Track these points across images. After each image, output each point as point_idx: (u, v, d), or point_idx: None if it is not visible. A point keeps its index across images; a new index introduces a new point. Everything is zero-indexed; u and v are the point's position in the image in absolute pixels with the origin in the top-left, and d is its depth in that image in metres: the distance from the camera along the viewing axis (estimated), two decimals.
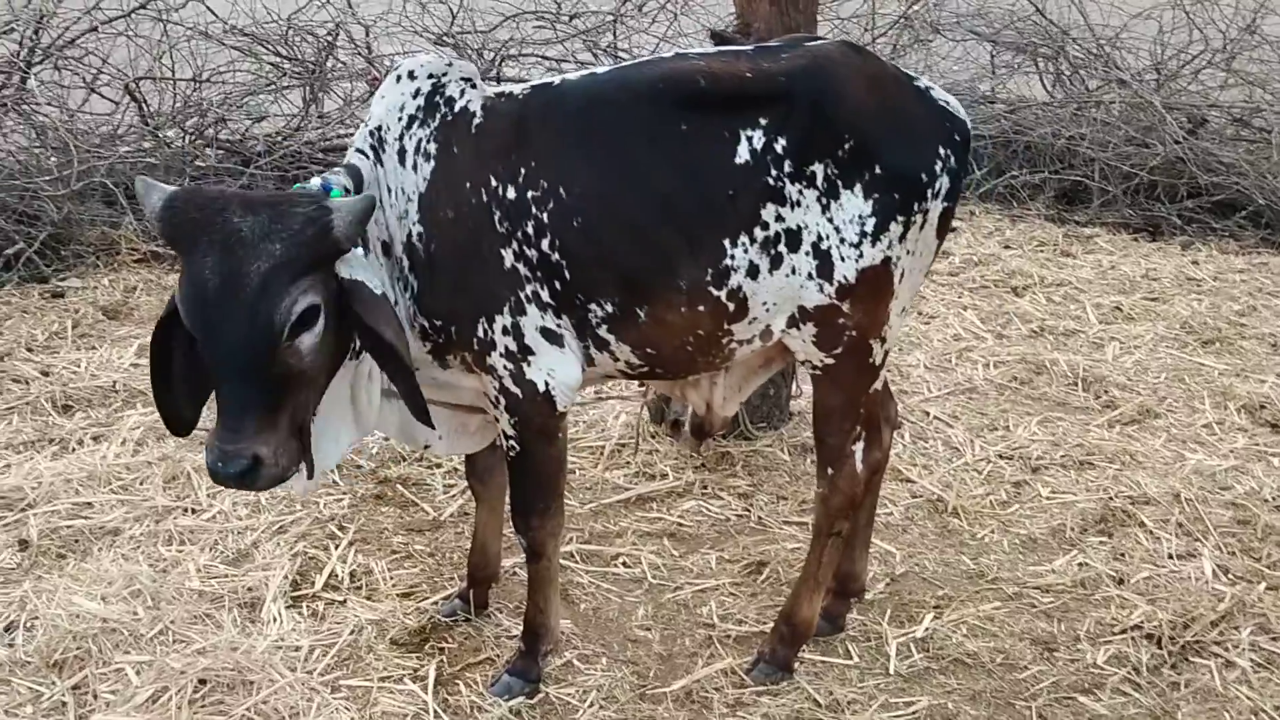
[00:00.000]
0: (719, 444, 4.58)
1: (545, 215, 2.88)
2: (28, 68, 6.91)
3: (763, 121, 2.87)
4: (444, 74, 3.01)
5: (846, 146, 2.85)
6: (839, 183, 2.87)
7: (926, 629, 3.56)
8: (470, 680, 3.29)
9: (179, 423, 2.89)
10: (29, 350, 5.39)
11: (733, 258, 2.91)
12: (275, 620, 3.47)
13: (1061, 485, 4.44)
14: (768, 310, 2.99)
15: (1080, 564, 3.94)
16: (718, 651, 3.45)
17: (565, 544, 3.92)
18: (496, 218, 2.89)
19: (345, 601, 3.61)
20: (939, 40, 9.53)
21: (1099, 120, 8.10)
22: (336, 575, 3.74)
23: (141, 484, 4.20)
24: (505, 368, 2.98)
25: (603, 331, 2.99)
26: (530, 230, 2.89)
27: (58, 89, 7.07)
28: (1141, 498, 4.32)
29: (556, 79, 3.04)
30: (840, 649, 3.48)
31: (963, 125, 3.03)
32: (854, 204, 2.88)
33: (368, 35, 8.29)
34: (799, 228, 2.90)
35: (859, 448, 3.19)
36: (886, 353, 3.13)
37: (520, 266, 2.91)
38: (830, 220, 2.89)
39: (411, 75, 3.01)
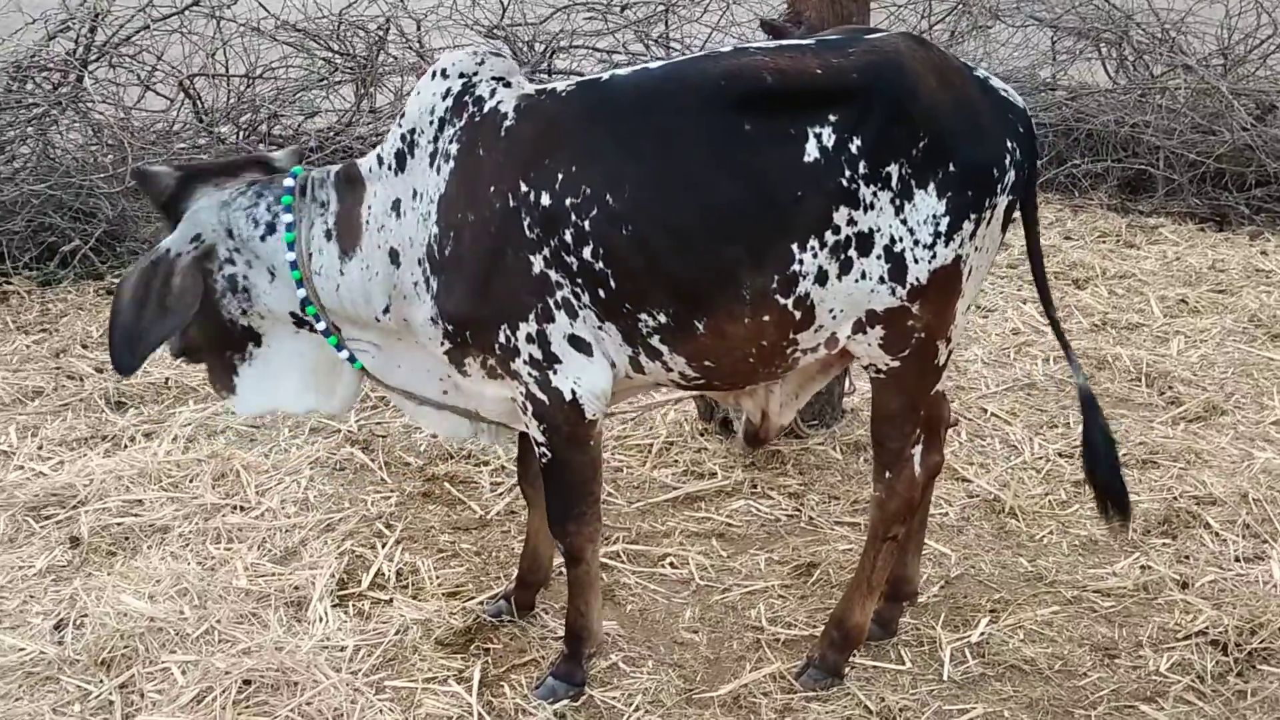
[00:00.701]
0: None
1: (587, 223, 2.79)
2: (84, 66, 6.97)
3: (832, 119, 2.76)
4: (475, 73, 2.94)
5: (921, 145, 2.77)
6: (913, 182, 2.78)
7: (982, 634, 3.46)
8: (515, 682, 3.25)
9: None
10: (84, 347, 5.44)
11: (801, 263, 2.80)
12: (321, 620, 3.46)
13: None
14: (834, 317, 2.89)
15: (1143, 567, 3.82)
16: (766, 655, 3.38)
17: (611, 544, 3.88)
18: (526, 224, 2.82)
19: (391, 601, 3.59)
20: (998, 26, 9.36)
21: (1164, 107, 7.90)
22: (383, 574, 3.72)
23: (191, 481, 4.21)
24: (530, 374, 2.95)
25: (655, 341, 2.91)
26: (569, 238, 2.81)
27: (113, 87, 7.13)
28: (1207, 498, 4.18)
29: (605, 75, 2.94)
30: (892, 654, 3.40)
31: (1024, 115, 2.94)
32: (928, 204, 2.79)
33: (419, 29, 8.29)
34: (871, 231, 2.80)
35: (918, 451, 3.10)
36: (950, 353, 3.04)
37: (552, 273, 2.85)
38: (904, 222, 2.80)
39: (444, 74, 2.95)
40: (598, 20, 8.44)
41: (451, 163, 2.88)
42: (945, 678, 3.30)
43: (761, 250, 2.79)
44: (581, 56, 8.26)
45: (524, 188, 2.82)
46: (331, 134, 7.54)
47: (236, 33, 7.63)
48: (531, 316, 2.88)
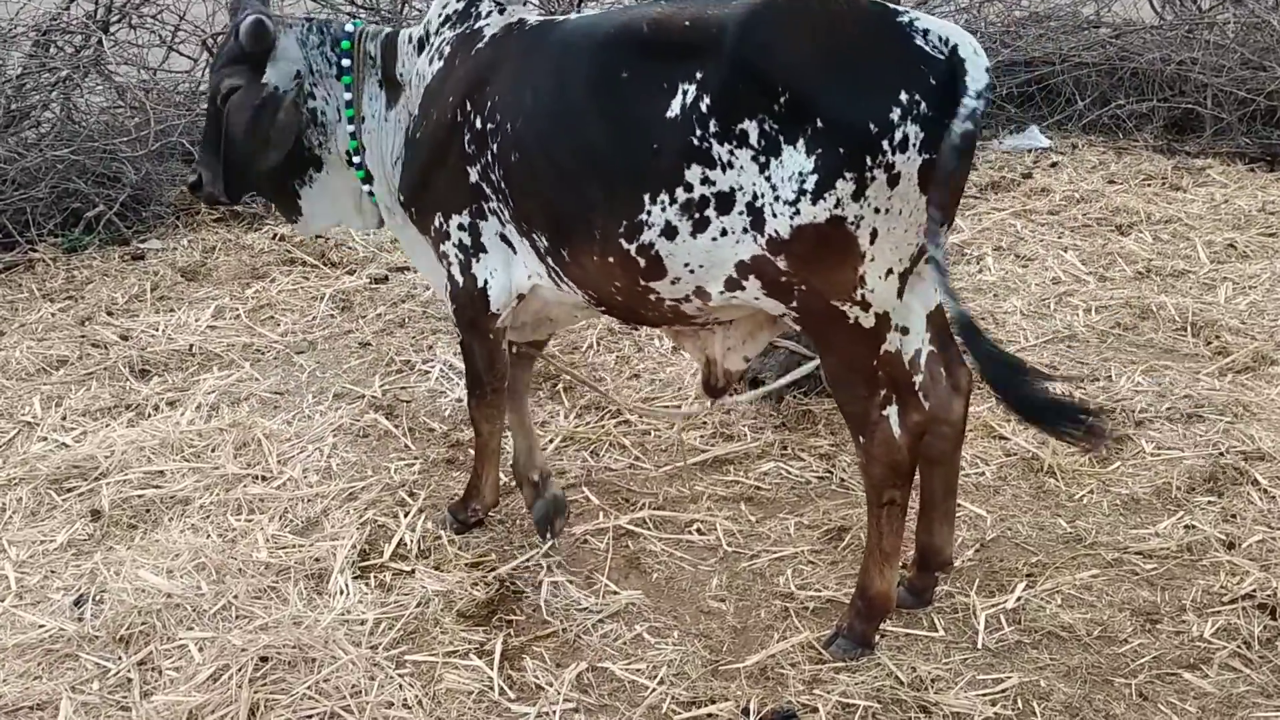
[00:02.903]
0: (799, 401, 4.40)
1: (496, 145, 3.10)
2: (105, 28, 6.90)
3: (698, 75, 2.77)
4: None
5: (783, 100, 2.68)
6: (780, 139, 2.70)
7: (1018, 599, 3.35)
8: (538, 654, 3.19)
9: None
10: (109, 314, 5.41)
11: (649, 214, 2.88)
12: (341, 593, 3.40)
13: (1168, 440, 4.17)
14: (693, 272, 2.91)
15: (1187, 526, 3.69)
16: (794, 624, 3.29)
17: (637, 510, 3.81)
18: (465, 139, 3.16)
19: (414, 572, 3.53)
20: None
21: (1211, 43, 7.62)
22: (405, 544, 3.66)
23: (213, 451, 4.17)
24: (456, 258, 3.32)
25: (550, 262, 3.17)
26: (489, 158, 3.13)
27: (135, 48, 7.06)
28: (1255, 453, 4.03)
29: (561, 18, 3.23)
30: (925, 621, 3.30)
31: (941, 66, 2.67)
32: (795, 160, 2.70)
33: None
34: (733, 190, 2.78)
35: (892, 412, 2.96)
36: (883, 317, 2.88)
37: (484, 186, 3.18)
38: (768, 179, 2.73)
39: None
40: None
41: (440, 62, 3.28)
42: (980, 646, 3.20)
43: (614, 194, 2.91)
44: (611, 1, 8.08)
45: (468, 106, 3.16)
46: None
47: None
48: (466, 212, 3.26)
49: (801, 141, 2.69)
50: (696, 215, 2.83)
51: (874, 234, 2.76)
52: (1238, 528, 3.66)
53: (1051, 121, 7.89)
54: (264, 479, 4.01)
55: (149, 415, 4.49)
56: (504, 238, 3.26)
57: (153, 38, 7.25)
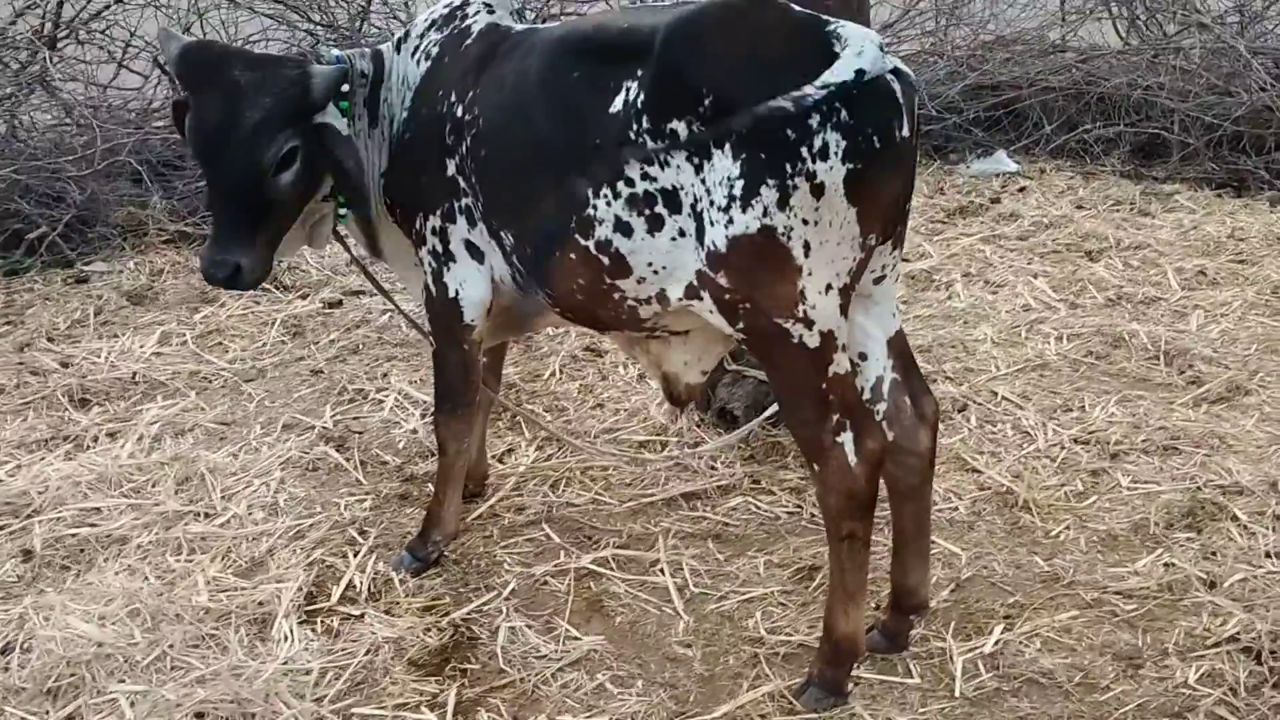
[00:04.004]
0: (768, 433, 4.25)
1: (469, 139, 3.16)
2: (53, 45, 6.69)
3: (639, 73, 2.81)
4: None
5: (706, 103, 2.68)
6: (709, 142, 2.69)
7: (996, 643, 3.21)
8: (493, 706, 3.02)
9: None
10: (49, 340, 5.19)
11: (595, 209, 2.90)
12: (285, 639, 3.22)
13: (1144, 474, 4.06)
14: (656, 273, 2.90)
15: (1166, 564, 3.57)
16: (765, 671, 3.14)
17: (600, 549, 3.65)
18: (446, 129, 3.21)
19: (363, 616, 3.35)
20: None
21: (1177, 69, 7.58)
22: (354, 586, 3.48)
23: (153, 486, 3.97)
24: (430, 265, 3.36)
25: (515, 261, 3.19)
26: (464, 149, 3.18)
27: (83, 65, 6.85)
28: (1233, 487, 3.93)
29: (545, 26, 3.37)
30: (900, 667, 3.15)
31: (862, 75, 2.61)
32: (723, 164, 2.69)
33: None
34: (675, 189, 2.79)
35: (846, 439, 2.83)
36: (828, 336, 2.77)
37: (460, 180, 3.22)
38: (703, 182, 2.73)
39: None
40: None
41: (428, 62, 3.33)
42: (957, 694, 3.05)
43: (563, 189, 2.93)
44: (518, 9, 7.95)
45: (453, 98, 3.22)
46: None
47: (213, 4, 7.34)
48: (439, 213, 3.27)
49: (728, 145, 2.68)
50: (648, 211, 2.84)
51: (806, 246, 2.71)
52: (1218, 565, 3.54)
53: (1019, 146, 7.82)
54: (206, 516, 3.82)
55: (87, 447, 4.28)
56: (470, 244, 3.28)
57: (101, 54, 7.03)
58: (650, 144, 2.79)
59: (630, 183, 2.84)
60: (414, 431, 4.39)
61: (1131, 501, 3.91)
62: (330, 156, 3.13)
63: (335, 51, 3.36)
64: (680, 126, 2.74)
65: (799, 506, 3.90)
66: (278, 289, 5.73)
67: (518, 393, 4.68)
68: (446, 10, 3.38)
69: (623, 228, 2.89)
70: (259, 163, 3.03)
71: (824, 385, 2.83)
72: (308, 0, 7.63)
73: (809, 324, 2.77)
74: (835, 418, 2.84)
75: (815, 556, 3.59)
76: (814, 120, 2.63)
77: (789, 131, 2.64)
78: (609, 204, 2.88)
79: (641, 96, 2.80)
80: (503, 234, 3.18)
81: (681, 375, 3.29)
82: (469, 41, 3.29)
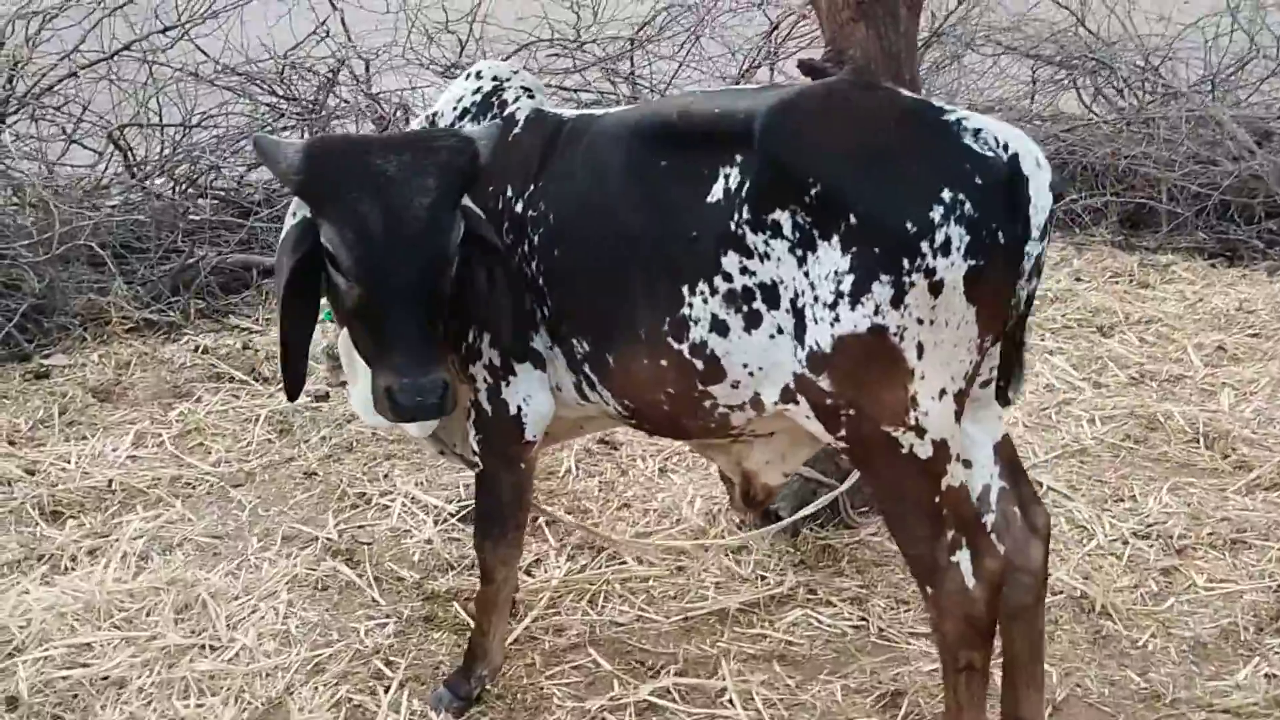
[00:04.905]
0: (817, 535, 3.95)
1: (537, 238, 2.88)
2: (1, 120, 6.28)
3: (739, 159, 2.59)
4: (508, 79, 3.12)
5: (813, 193, 2.47)
6: (814, 233, 2.48)
7: None
8: None
9: (298, 384, 2.84)
10: (11, 443, 4.73)
11: (690, 306, 2.65)
12: None
13: (1218, 571, 3.82)
14: (751, 375, 2.66)
15: (1267, 675, 3.33)
16: None
17: (658, 678, 3.31)
18: (504, 228, 2.91)
19: None
20: (971, 56, 8.95)
21: (1158, 138, 7.51)
22: None
23: (148, 615, 3.56)
24: (485, 380, 3.00)
25: (587, 369, 2.89)
26: (526, 249, 2.89)
27: (34, 141, 6.43)
28: None
29: (600, 111, 3.01)
30: None
31: (991, 166, 2.43)
32: (831, 257, 2.47)
33: (367, 70, 7.69)
34: (774, 282, 2.56)
35: (963, 557, 2.61)
36: (941, 445, 2.55)
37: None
38: (806, 275, 2.51)
39: (479, 74, 3.14)
40: (563, 58, 7.91)
41: None
42: None
43: (654, 286, 2.70)
44: (549, 94, 7.70)
45: (509, 192, 2.93)
46: (280, 186, 6.89)
47: (171, 79, 6.97)
48: None
49: (836, 238, 2.47)
50: (745, 308, 2.60)
51: (920, 348, 2.49)
52: None
53: None
54: (212, 649, 3.42)
55: (66, 569, 3.86)
56: (531, 353, 2.96)
57: (54, 130, 6.62)
58: (753, 236, 2.55)
59: (729, 277, 2.60)
60: (428, 542, 4.03)
61: (1212, 604, 3.67)
62: (481, 240, 2.74)
63: None
64: (784, 217, 2.52)
65: (864, 619, 3.59)
66: (257, 381, 5.33)
67: (536, 494, 4.33)
68: (479, 97, 3.09)
69: (719, 326, 2.64)
70: (443, 253, 2.65)
71: (937, 499, 2.59)
72: (271, 74, 7.29)
73: (920, 432, 2.54)
74: (950, 534, 2.61)
75: (895, 680, 3.29)
76: (937, 213, 2.40)
77: (909, 224, 2.41)
78: (705, 301, 2.63)
79: (740, 186, 2.57)
80: (574, 340, 2.88)
81: (761, 475, 3.05)
82: (517, 130, 3.00)
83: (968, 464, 2.76)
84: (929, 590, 2.65)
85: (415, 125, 3.20)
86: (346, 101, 7.40)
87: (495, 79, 3.11)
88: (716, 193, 2.61)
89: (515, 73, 3.15)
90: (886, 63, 3.56)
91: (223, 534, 4.09)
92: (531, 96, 3.09)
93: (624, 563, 3.89)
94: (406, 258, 2.58)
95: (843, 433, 2.60)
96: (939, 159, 2.46)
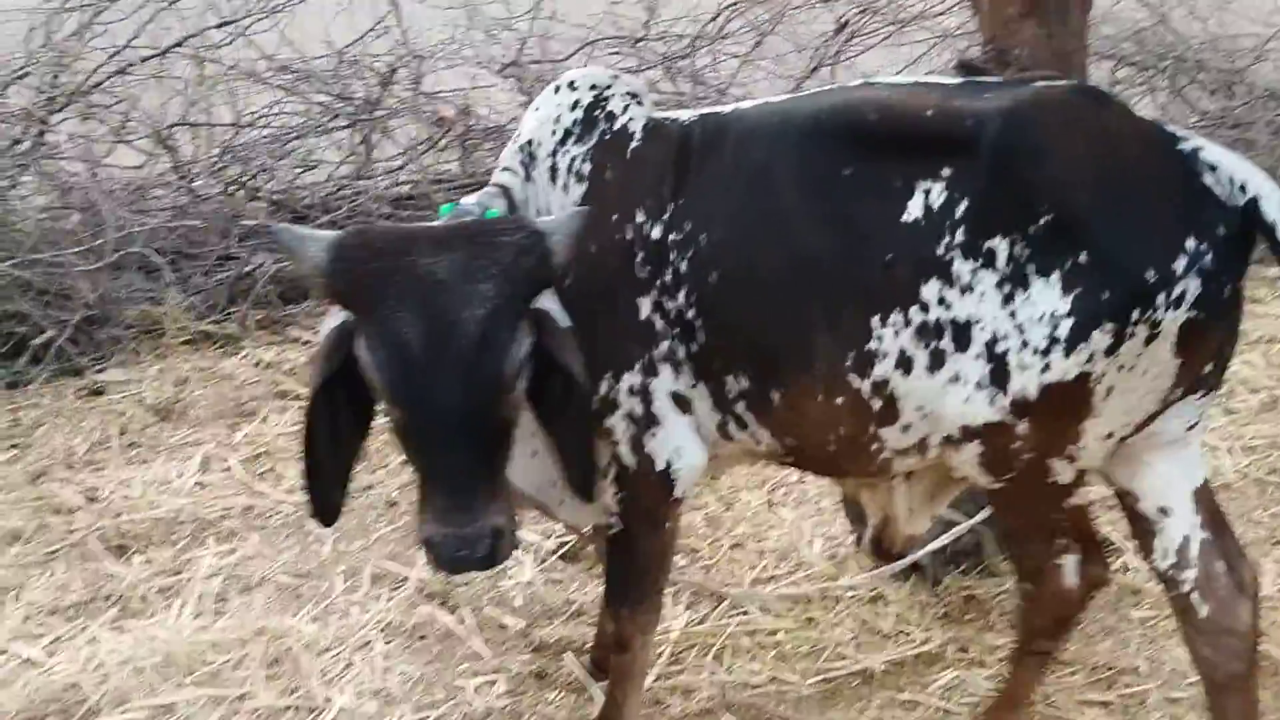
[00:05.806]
0: (960, 584, 3.60)
1: (684, 263, 2.51)
2: (46, 119, 5.95)
3: (946, 173, 2.31)
4: (608, 86, 2.71)
5: (1043, 221, 2.22)
6: (1029, 267, 2.23)
7: None
8: None
9: (331, 510, 2.43)
10: (68, 468, 4.42)
11: (879, 339, 2.37)
12: None
13: None
14: (924, 418, 2.42)
15: None
16: None
17: None
18: (638, 260, 2.54)
19: None
20: None
21: (1263, 145, 7.13)
22: None
23: (235, 669, 3.24)
24: (626, 432, 2.61)
25: (740, 409, 2.57)
26: (669, 278, 2.52)
27: (80, 141, 6.10)
28: None
29: (726, 108, 2.65)
30: None
31: (1231, 214, 2.20)
32: (1047, 298, 2.23)
33: (420, 67, 7.35)
34: (969, 322, 2.30)
35: (1068, 560, 2.60)
36: (1082, 472, 2.44)
37: (657, 319, 2.54)
38: (1012, 315, 2.26)
39: (572, 85, 2.71)
40: (625, 56, 7.56)
41: (584, 185, 2.62)
42: None
43: (838, 315, 2.40)
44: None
45: (640, 217, 2.55)
46: (335, 189, 6.55)
47: (224, 75, 6.64)
48: (638, 367, 2.56)
49: (1057, 275, 2.21)
50: (933, 345, 2.34)
51: (1109, 391, 2.30)
52: None
53: None
54: (310, 711, 3.09)
55: (138, 612, 3.53)
56: (676, 397, 2.59)
57: (101, 129, 6.28)
58: (961, 263, 2.28)
59: (925, 307, 2.33)
60: (529, 584, 3.69)
61: None
62: (553, 361, 2.29)
63: (467, 201, 2.53)
64: (1001, 245, 2.26)
65: None
66: None
67: None
68: (580, 113, 2.66)
69: (904, 363, 2.38)
70: (500, 375, 2.17)
71: (1059, 516, 2.56)
72: (325, 71, 6.96)
73: (1070, 460, 2.41)
74: (1062, 542, 2.59)
75: None
76: (1180, 264, 2.18)
77: (1150, 272, 2.17)
78: (897, 334, 2.36)
79: (959, 202, 2.29)
80: (729, 377, 2.55)
81: (903, 524, 2.86)
82: (635, 144, 2.62)
83: (1165, 512, 2.53)
84: (1028, 586, 2.66)
85: (506, 156, 2.71)
86: (400, 100, 7.05)
87: (594, 88, 2.70)
88: (914, 210, 2.33)
89: (615, 77, 2.75)
90: (1056, 63, 3.20)
91: (304, 573, 3.76)
92: (640, 103, 2.71)
93: (746, 613, 3.55)
94: (452, 383, 2.11)
95: (1011, 474, 2.42)
96: (1185, 201, 2.22)
